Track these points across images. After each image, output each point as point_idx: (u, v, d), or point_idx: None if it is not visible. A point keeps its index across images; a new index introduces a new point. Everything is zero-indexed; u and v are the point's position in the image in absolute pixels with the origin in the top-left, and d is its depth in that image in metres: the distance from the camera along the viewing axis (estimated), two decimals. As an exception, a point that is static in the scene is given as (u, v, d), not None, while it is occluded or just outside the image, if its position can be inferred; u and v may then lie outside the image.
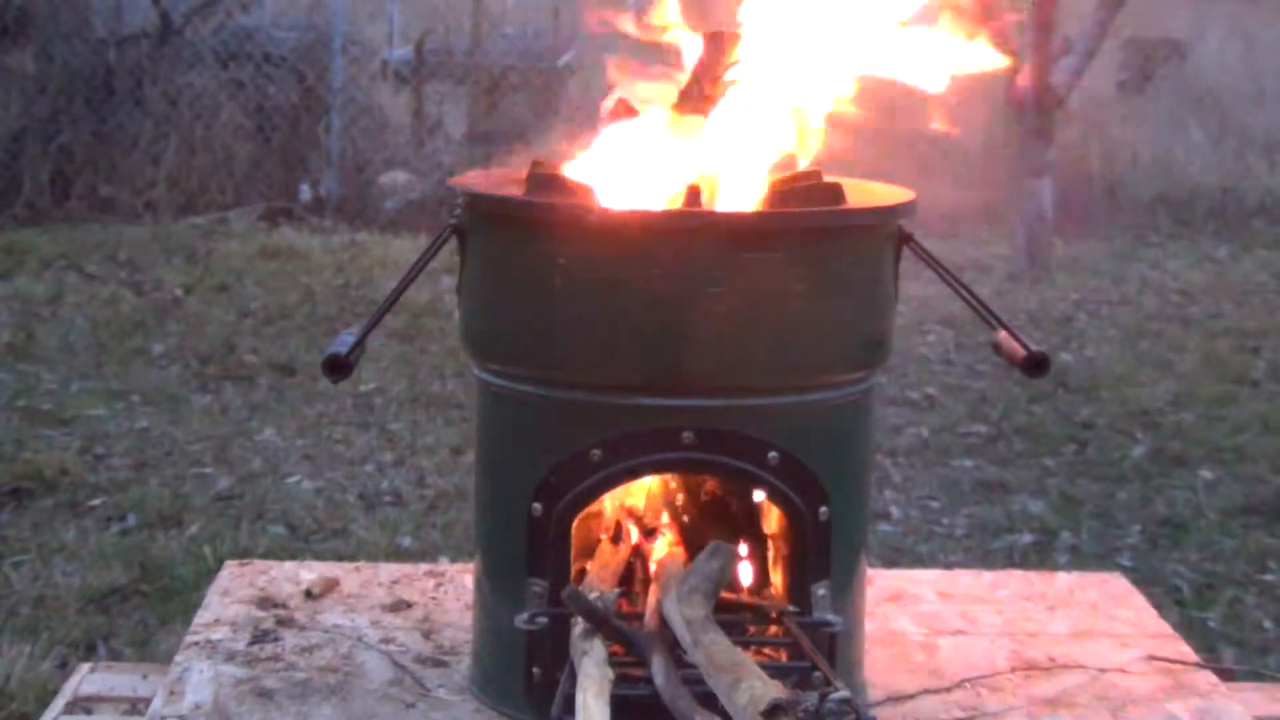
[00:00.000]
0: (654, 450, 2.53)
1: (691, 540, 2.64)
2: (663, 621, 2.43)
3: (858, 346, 2.61)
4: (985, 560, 4.57)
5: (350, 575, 3.20)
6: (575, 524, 2.57)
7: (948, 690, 2.75)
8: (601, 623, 2.41)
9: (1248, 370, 6.74)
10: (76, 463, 5.26)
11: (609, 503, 2.68)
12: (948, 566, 4.31)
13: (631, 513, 2.71)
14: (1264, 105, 11.29)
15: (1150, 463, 5.53)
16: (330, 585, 3.12)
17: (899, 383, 6.43)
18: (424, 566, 3.32)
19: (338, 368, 2.48)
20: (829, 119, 2.73)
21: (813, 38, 2.68)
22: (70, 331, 6.95)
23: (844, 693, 2.07)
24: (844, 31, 2.69)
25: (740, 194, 2.69)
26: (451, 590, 3.13)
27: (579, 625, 2.45)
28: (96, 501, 4.96)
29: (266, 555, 4.24)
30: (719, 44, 2.67)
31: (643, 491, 2.72)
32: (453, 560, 4.11)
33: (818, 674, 2.44)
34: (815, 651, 2.48)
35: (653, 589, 2.56)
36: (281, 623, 2.95)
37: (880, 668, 2.81)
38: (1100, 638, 2.99)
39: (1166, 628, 3.07)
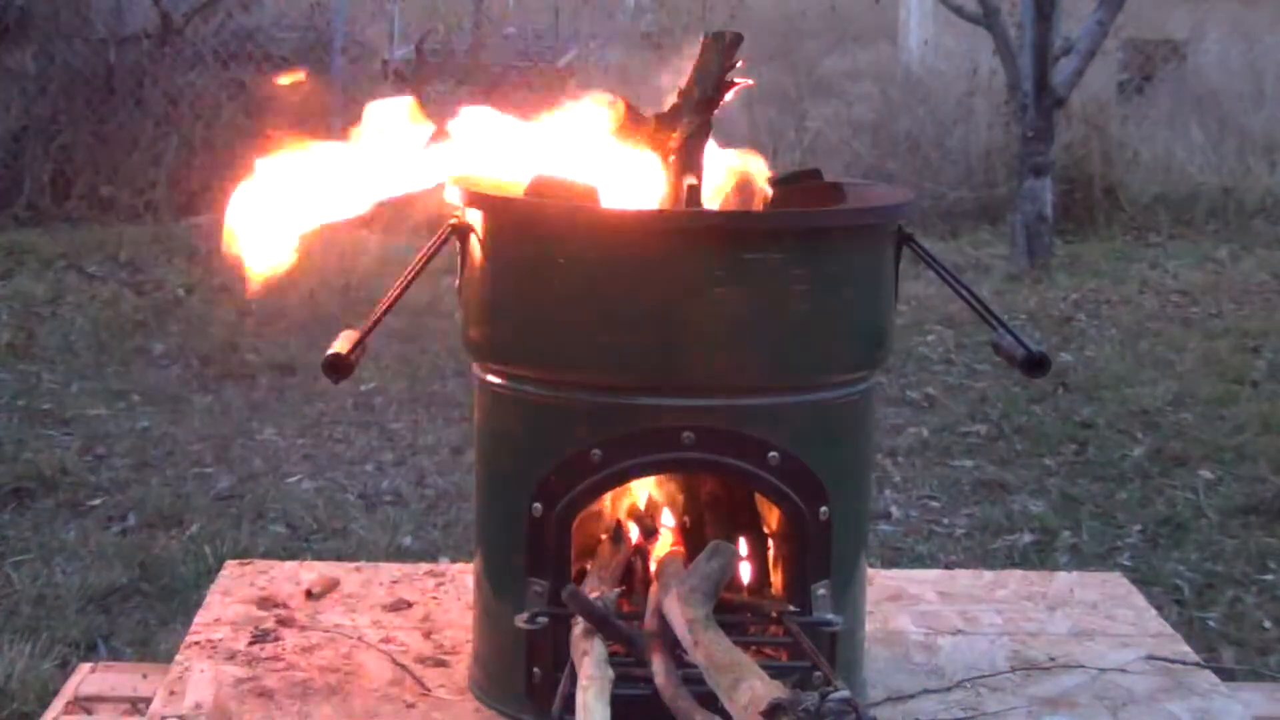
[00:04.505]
0: (654, 450, 2.53)
1: (691, 540, 2.64)
2: (663, 621, 2.43)
3: (858, 347, 2.61)
4: (985, 560, 4.57)
5: (350, 575, 3.20)
6: (575, 524, 2.57)
7: (948, 690, 2.75)
8: (601, 622, 2.41)
9: (1248, 370, 6.74)
10: (77, 463, 5.26)
11: (609, 503, 2.68)
12: (948, 566, 4.31)
13: (631, 513, 2.71)
14: (1264, 105, 11.28)
15: (1150, 463, 5.53)
16: (330, 585, 3.13)
17: (899, 383, 6.43)
18: (424, 566, 3.32)
19: (338, 368, 2.48)
20: None
21: None
22: (71, 331, 6.95)
23: (844, 692, 2.07)
24: None
25: (740, 194, 2.70)
26: (451, 590, 3.13)
27: (579, 625, 2.45)
28: (97, 501, 4.97)
29: (267, 555, 4.24)
30: (720, 46, 2.67)
31: (643, 491, 2.72)
32: (453, 560, 4.11)
33: (818, 674, 2.44)
34: (815, 651, 2.48)
35: (653, 589, 2.56)
36: (282, 622, 2.95)
37: (880, 668, 2.82)
38: (1100, 638, 2.99)
39: (1166, 628, 3.07)
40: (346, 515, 4.88)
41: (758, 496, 2.64)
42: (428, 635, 2.92)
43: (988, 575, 3.33)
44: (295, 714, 2.61)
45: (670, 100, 2.69)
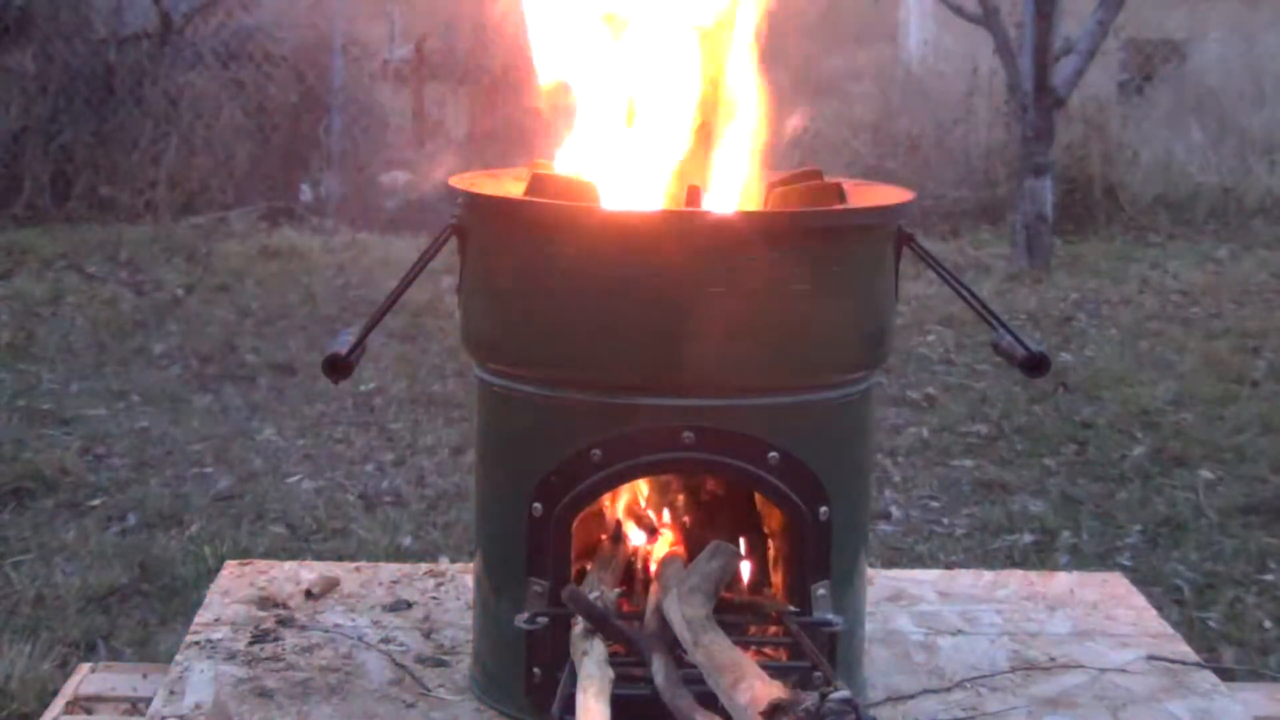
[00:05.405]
0: (654, 450, 2.53)
1: (691, 540, 2.64)
2: (663, 621, 2.43)
3: (858, 347, 2.61)
4: (985, 560, 4.56)
5: (350, 575, 3.20)
6: (575, 524, 2.57)
7: (948, 690, 2.75)
8: (601, 622, 2.41)
9: (1248, 370, 6.74)
10: (76, 463, 5.26)
11: (609, 503, 2.68)
12: (948, 566, 4.31)
13: (632, 512, 2.71)
14: (1264, 105, 11.28)
15: (1150, 463, 5.53)
16: (330, 585, 3.13)
17: (899, 383, 6.42)
18: (424, 566, 3.32)
19: (338, 368, 2.49)
20: None
21: None
22: (70, 331, 6.95)
23: (844, 693, 2.07)
24: None
25: (740, 194, 2.70)
26: (451, 590, 3.13)
27: (579, 625, 2.45)
28: (97, 501, 4.96)
29: (266, 555, 4.24)
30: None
31: (643, 491, 2.72)
32: (453, 560, 4.11)
33: (818, 674, 2.44)
34: (815, 651, 2.48)
35: (653, 589, 2.56)
36: (282, 623, 2.95)
37: (880, 668, 2.82)
38: (1100, 638, 2.99)
39: (1166, 628, 3.07)
40: (346, 515, 4.88)
41: (758, 496, 2.65)
42: (428, 635, 2.92)
43: (988, 575, 3.33)
44: (295, 714, 2.61)
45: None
